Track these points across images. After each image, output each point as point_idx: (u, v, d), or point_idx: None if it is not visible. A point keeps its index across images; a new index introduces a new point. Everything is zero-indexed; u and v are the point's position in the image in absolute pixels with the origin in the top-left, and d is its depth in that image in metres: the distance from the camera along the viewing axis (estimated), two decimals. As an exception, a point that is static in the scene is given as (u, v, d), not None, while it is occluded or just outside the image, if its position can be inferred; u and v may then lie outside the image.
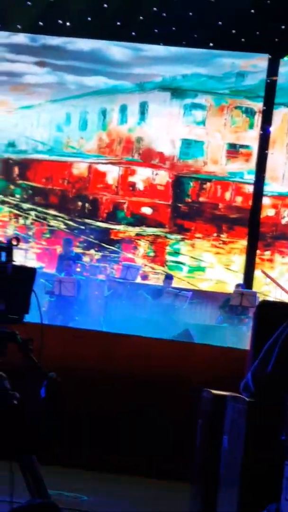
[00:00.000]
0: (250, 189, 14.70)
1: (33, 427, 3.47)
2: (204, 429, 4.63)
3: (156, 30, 14.58)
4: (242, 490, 3.69)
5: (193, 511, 4.70)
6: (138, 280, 13.85)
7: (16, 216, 15.22)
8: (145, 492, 6.76)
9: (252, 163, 14.69)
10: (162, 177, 15.03)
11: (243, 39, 14.34)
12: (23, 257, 13.91)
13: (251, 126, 14.85)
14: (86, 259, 14.39)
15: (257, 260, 14.45)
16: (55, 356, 5.96)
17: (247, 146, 14.87)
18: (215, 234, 14.79)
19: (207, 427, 4.54)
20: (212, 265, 14.74)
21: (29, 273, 4.08)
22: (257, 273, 14.33)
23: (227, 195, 14.85)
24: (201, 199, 14.93)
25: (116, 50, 15.05)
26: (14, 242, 4.01)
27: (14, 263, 4.03)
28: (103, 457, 7.17)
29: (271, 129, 14.61)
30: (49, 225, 15.12)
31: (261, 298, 13.03)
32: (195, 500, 4.68)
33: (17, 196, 15.26)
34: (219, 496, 4.19)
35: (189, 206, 14.97)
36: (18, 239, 4.05)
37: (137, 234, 14.95)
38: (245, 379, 3.81)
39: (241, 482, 3.70)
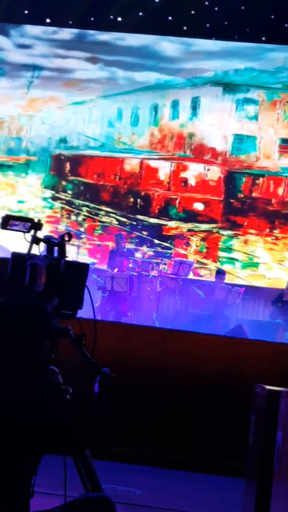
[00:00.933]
0: (303, 184, 14.59)
1: (86, 423, 3.47)
2: (257, 425, 4.61)
3: (207, 25, 14.54)
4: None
5: (247, 507, 4.68)
6: (191, 276, 13.82)
7: (68, 212, 15.30)
8: (198, 487, 6.76)
9: (305, 158, 14.59)
10: (214, 173, 14.98)
11: (295, 33, 14.25)
12: (75, 253, 13.98)
13: (304, 120, 14.74)
14: (138, 255, 14.40)
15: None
16: (108, 352, 5.98)
17: (300, 141, 14.77)
18: (267, 230, 14.70)
19: (261, 422, 4.52)
20: (265, 261, 14.65)
21: (81, 269, 4.08)
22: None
23: (280, 191, 14.75)
24: (253, 194, 14.85)
25: (168, 45, 15.04)
26: (66, 238, 4.03)
27: (66, 258, 4.05)
28: (156, 453, 7.18)
29: None
30: (101, 221, 15.17)
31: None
32: (249, 496, 4.66)
33: (69, 192, 15.34)
34: (273, 491, 4.17)
35: (241, 201, 14.90)
36: (70, 235, 4.06)
37: (189, 230, 14.92)
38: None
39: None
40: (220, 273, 13.58)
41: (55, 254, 4.05)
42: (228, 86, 14.93)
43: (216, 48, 14.90)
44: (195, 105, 15.00)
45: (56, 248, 4.06)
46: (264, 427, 4.41)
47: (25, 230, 4.08)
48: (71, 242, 4.09)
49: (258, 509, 4.44)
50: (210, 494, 6.57)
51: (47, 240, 4.08)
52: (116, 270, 13.20)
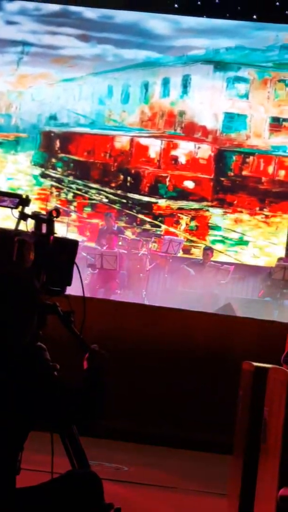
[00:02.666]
0: (293, 163, 14.58)
1: (74, 399, 3.48)
2: (245, 401, 4.63)
3: (198, 2, 14.47)
4: (283, 461, 3.69)
5: (234, 483, 4.71)
6: (180, 254, 13.83)
7: (58, 190, 15.27)
8: (187, 464, 6.79)
9: (296, 137, 14.57)
10: (205, 151, 14.96)
11: (287, 11, 14.17)
12: (64, 230, 13.95)
13: (294, 99, 14.71)
14: (128, 233, 14.40)
15: (300, 234, 14.35)
16: (97, 329, 5.99)
17: (290, 120, 14.74)
18: (257, 208, 14.70)
19: (248, 399, 4.54)
20: (255, 239, 14.67)
21: (71, 246, 4.07)
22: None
23: (270, 169, 14.74)
24: (243, 173, 14.83)
25: (159, 22, 14.96)
26: (54, 214, 4.01)
27: (55, 235, 4.04)
28: (143, 429, 7.21)
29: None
30: (90, 199, 15.14)
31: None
32: (236, 472, 4.69)
33: (59, 169, 15.30)
34: (259, 467, 4.20)
35: (231, 180, 14.89)
36: (58, 211, 4.04)
37: (179, 208, 14.91)
38: (286, 351, 3.80)
39: (282, 454, 3.70)
40: (207, 250, 13.57)
41: (43, 231, 4.04)
42: (219, 64, 14.88)
43: (207, 26, 14.83)
44: (185, 83, 14.95)
45: (44, 224, 4.04)
46: (251, 403, 4.44)
47: (12, 206, 4.06)
48: (60, 219, 4.08)
49: (244, 484, 4.48)
50: (199, 470, 6.61)
51: (35, 216, 4.07)
52: (105, 247, 13.20)
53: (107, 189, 15.08)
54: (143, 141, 15.13)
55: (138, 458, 6.67)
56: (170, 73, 14.99)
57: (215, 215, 14.81)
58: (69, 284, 4.05)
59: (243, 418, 4.62)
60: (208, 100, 14.88)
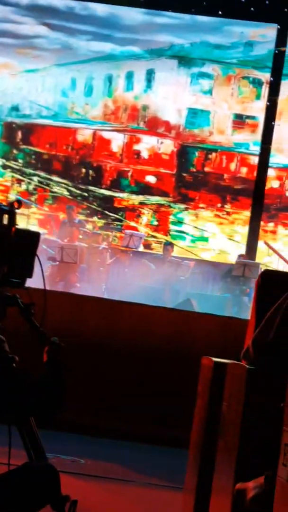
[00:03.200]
0: (255, 160, 14.65)
1: (33, 391, 3.47)
2: (203, 396, 4.65)
3: (165, -3, 14.49)
4: (240, 456, 3.71)
5: (191, 478, 4.73)
6: (141, 248, 13.85)
7: (19, 181, 15.20)
8: (143, 457, 6.82)
9: (258, 134, 14.64)
10: (167, 146, 14.98)
11: (252, 8, 14.24)
12: (25, 223, 13.90)
13: (258, 96, 14.78)
14: (89, 226, 14.38)
15: (260, 231, 14.44)
16: (57, 321, 5.97)
17: (253, 117, 14.81)
18: (219, 205, 14.77)
19: (207, 394, 4.56)
20: (215, 236, 14.73)
21: (32, 237, 4.05)
22: (260, 244, 14.32)
23: (232, 166, 14.81)
24: (206, 169, 14.89)
25: (125, 15, 14.94)
26: (16, 205, 3.99)
27: (17, 226, 4.01)
28: (101, 423, 7.22)
29: (278, 100, 14.52)
30: (52, 191, 15.09)
31: (263, 269, 13.02)
32: (193, 467, 4.71)
33: (20, 161, 15.22)
34: (216, 462, 4.21)
35: (193, 176, 14.94)
36: (19, 202, 4.01)
37: (141, 203, 14.93)
38: (245, 347, 3.83)
39: (239, 449, 3.72)
40: (167, 245, 13.61)
41: (5, 222, 4.01)
42: (183, 59, 14.91)
43: (172, 21, 14.84)
44: (149, 77, 14.95)
45: (5, 215, 4.02)
46: (210, 398, 4.45)
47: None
48: (21, 211, 4.06)
49: (200, 480, 4.49)
50: (156, 465, 6.63)
51: (-4, 207, 4.04)
52: (66, 240, 13.17)
53: (68, 182, 15.04)
54: (106, 135, 15.12)
55: (95, 452, 6.68)
56: (134, 67, 14.98)
57: (177, 210, 14.85)
58: (30, 276, 4.03)
59: (201, 413, 4.64)
60: (172, 95, 14.90)
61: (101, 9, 14.90)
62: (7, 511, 3.40)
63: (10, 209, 3.99)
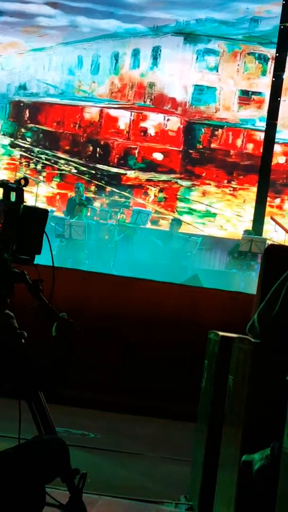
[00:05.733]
0: (261, 136, 14.62)
1: (42, 366, 3.52)
2: (210, 370, 4.70)
3: (170, -27, 14.43)
4: (246, 429, 3.76)
5: (198, 451, 4.80)
6: (149, 225, 13.88)
7: (27, 160, 15.22)
8: (152, 430, 6.88)
9: (264, 110, 14.59)
10: (174, 123, 14.97)
11: (258, -17, 14.19)
12: (33, 201, 13.93)
13: (264, 72, 14.74)
14: (96, 203, 14.40)
15: (267, 207, 14.44)
16: (66, 297, 6.02)
17: (259, 93, 14.77)
18: (225, 181, 14.77)
19: (213, 368, 4.61)
20: (222, 211, 14.75)
21: (41, 214, 4.07)
22: (267, 220, 14.32)
23: (239, 142, 14.79)
24: (212, 145, 14.88)
25: (130, -7, 14.89)
26: (23, 182, 4.01)
27: (25, 204, 4.04)
28: (110, 398, 7.28)
29: (284, 76, 14.47)
30: (59, 169, 15.11)
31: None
32: (200, 440, 4.77)
33: (28, 139, 15.24)
34: (223, 435, 4.27)
35: (200, 152, 14.93)
36: (26, 180, 4.03)
37: (148, 180, 14.94)
38: (251, 321, 3.86)
39: (245, 421, 3.77)
40: (175, 222, 13.64)
41: (12, 199, 4.04)
42: (189, 36, 14.86)
43: (177, -3, 14.79)
44: (155, 55, 14.92)
45: (13, 193, 4.04)
46: (216, 372, 4.50)
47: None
48: (29, 189, 4.10)
49: (207, 452, 4.55)
50: (165, 438, 6.69)
51: (3, 184, 4.06)
52: (74, 218, 13.20)
53: (76, 160, 15.05)
54: (113, 112, 15.11)
55: (105, 426, 6.74)
56: (140, 44, 14.94)
57: (184, 187, 14.86)
58: (39, 253, 4.06)
59: (208, 387, 4.70)
60: (178, 72, 14.88)
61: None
62: (17, 484, 3.45)
63: (17, 187, 4.02)
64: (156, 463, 5.89)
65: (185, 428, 6.00)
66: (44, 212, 4.06)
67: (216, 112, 14.86)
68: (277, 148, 14.55)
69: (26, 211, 3.98)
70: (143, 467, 5.73)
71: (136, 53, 15.01)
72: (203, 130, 14.88)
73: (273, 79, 14.48)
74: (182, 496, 4.91)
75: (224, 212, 14.75)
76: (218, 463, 4.29)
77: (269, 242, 13.12)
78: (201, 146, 14.90)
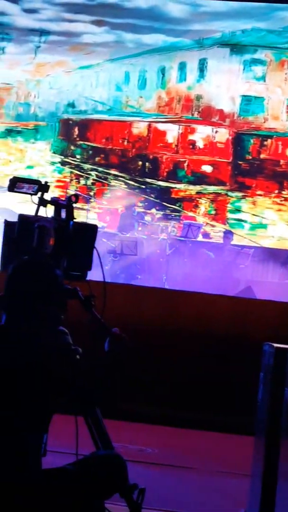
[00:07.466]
0: (311, 145, 14.54)
1: (97, 382, 3.52)
2: (266, 382, 4.67)
3: (214, -15, 14.43)
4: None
5: (256, 464, 4.75)
6: (200, 238, 13.85)
7: (77, 177, 15.31)
8: (208, 444, 6.84)
9: (314, 119, 14.51)
10: (222, 135, 14.94)
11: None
12: (85, 217, 14.00)
13: (312, 80, 14.65)
14: (147, 218, 14.43)
15: None
16: (118, 313, 6.03)
17: (308, 101, 14.69)
18: (276, 191, 14.68)
19: (269, 380, 4.57)
20: (274, 222, 14.65)
21: (90, 230, 4.10)
22: None
23: (288, 152, 14.71)
24: (262, 156, 14.80)
25: (174, 6, 14.92)
26: (73, 199, 4.04)
27: (75, 220, 4.07)
28: (165, 412, 7.26)
29: None
30: (109, 185, 15.17)
31: None
32: (258, 453, 4.73)
33: (78, 156, 15.34)
34: (282, 448, 4.23)
35: (249, 163, 14.87)
36: (77, 196, 4.08)
37: (198, 193, 14.92)
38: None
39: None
40: (227, 234, 13.61)
41: (63, 216, 4.07)
42: (235, 47, 14.84)
43: (223, 9, 14.78)
44: (202, 67, 14.92)
45: (63, 209, 4.08)
46: (272, 384, 4.47)
47: (32, 192, 4.10)
48: (80, 206, 4.12)
49: (266, 466, 4.51)
50: (221, 452, 6.65)
51: (54, 201, 4.10)
52: (125, 233, 13.24)
53: (125, 175, 15.10)
54: (161, 127, 15.13)
55: (161, 440, 6.72)
56: (186, 57, 14.96)
57: (234, 198, 14.81)
58: (90, 269, 4.08)
59: (264, 399, 4.66)
60: (225, 84, 14.85)
61: (150, 2, 14.89)
62: (77, 500, 3.46)
63: (68, 204, 4.05)
64: (213, 477, 5.85)
65: (241, 442, 5.96)
66: (94, 228, 4.09)
67: (264, 122, 14.80)
68: None
69: (76, 228, 4.01)
70: (201, 482, 5.70)
71: (182, 67, 15.02)
72: (252, 140, 14.82)
73: None
74: (242, 510, 4.87)
75: (276, 222, 14.65)
76: (277, 477, 4.24)
77: None
78: (250, 157, 14.84)
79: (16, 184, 4.10)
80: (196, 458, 6.29)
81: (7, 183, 4.15)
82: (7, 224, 4.06)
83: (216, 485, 5.62)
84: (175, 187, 14.96)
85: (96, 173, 15.26)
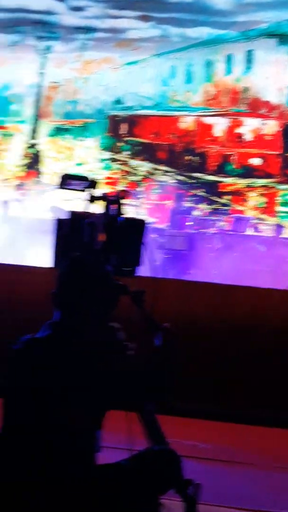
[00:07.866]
0: None
1: (150, 377, 3.52)
2: None
3: (259, -24, 14.33)
4: None
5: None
6: (250, 231, 13.78)
7: (126, 173, 15.33)
8: (263, 440, 6.79)
9: None
10: (271, 127, 14.83)
11: None
12: (134, 213, 14.01)
13: None
14: (196, 213, 14.39)
15: None
16: (168, 308, 6.01)
17: None
18: None
19: None
20: None
21: (138, 225, 4.10)
22: None
23: None
24: (311, 147, 14.68)
25: (218, -1, 14.86)
26: (122, 195, 4.05)
27: (123, 215, 4.07)
28: (219, 408, 7.23)
29: None
30: (158, 181, 15.16)
31: None
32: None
33: (126, 153, 15.36)
34: None
35: (299, 155, 14.75)
36: (125, 192, 4.08)
37: (247, 186, 14.84)
38: None
39: None
40: (277, 227, 13.51)
41: (112, 212, 4.08)
42: (282, 37, 14.71)
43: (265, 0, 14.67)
44: (249, 59, 14.83)
45: (112, 205, 4.08)
46: None
47: (82, 189, 4.11)
48: (129, 202, 4.12)
49: None
50: (277, 447, 6.60)
51: (104, 198, 4.11)
52: (174, 228, 13.23)
53: (174, 170, 15.08)
54: (208, 120, 15.08)
55: (213, 436, 6.70)
56: (233, 49, 14.88)
57: (283, 191, 14.70)
58: (139, 264, 4.08)
59: None
60: (272, 75, 14.74)
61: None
62: (132, 496, 3.46)
63: (117, 199, 4.06)
64: (269, 472, 5.81)
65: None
66: (141, 223, 4.08)
67: (313, 112, 14.67)
68: None
69: (124, 223, 4.00)
70: (256, 477, 5.66)
71: (229, 59, 14.95)
72: (300, 132, 14.70)
73: None
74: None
75: None
76: None
77: None
78: (300, 149, 14.72)
79: (66, 181, 4.11)
80: (251, 453, 6.25)
81: (58, 181, 4.16)
82: (59, 221, 4.08)
83: (271, 481, 5.58)
84: (224, 181, 14.89)
85: (144, 168, 15.26)
